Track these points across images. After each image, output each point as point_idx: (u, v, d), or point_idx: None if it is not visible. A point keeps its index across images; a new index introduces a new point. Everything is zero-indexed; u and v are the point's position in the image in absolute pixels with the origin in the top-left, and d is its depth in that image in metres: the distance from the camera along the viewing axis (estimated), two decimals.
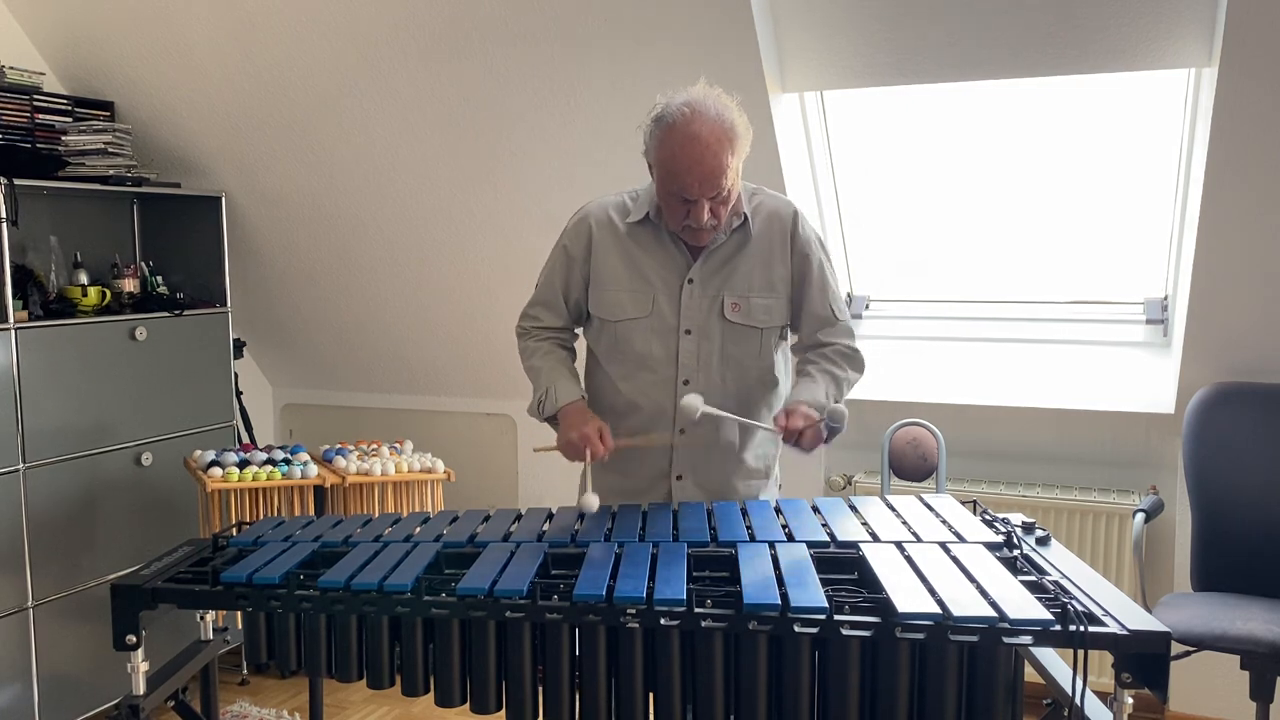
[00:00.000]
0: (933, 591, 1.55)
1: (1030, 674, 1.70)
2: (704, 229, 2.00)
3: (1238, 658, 2.45)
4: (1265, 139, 2.56)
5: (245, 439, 3.91)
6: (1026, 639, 1.47)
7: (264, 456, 3.18)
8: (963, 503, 2.05)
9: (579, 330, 2.26)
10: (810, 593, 1.57)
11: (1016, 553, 1.78)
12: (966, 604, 1.51)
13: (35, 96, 3.29)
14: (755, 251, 2.09)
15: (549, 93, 3.10)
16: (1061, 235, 3.29)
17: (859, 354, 2.17)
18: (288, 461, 3.16)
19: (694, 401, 1.95)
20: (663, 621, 1.57)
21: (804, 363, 2.17)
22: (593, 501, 1.95)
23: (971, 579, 1.62)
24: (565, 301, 2.18)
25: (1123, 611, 1.55)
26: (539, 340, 2.19)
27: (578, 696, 1.65)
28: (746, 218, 2.08)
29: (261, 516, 3.03)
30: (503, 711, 1.68)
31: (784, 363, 2.20)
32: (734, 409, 2.06)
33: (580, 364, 2.23)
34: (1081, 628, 1.47)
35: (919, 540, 1.82)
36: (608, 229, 2.12)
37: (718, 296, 2.08)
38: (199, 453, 3.22)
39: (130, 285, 3.36)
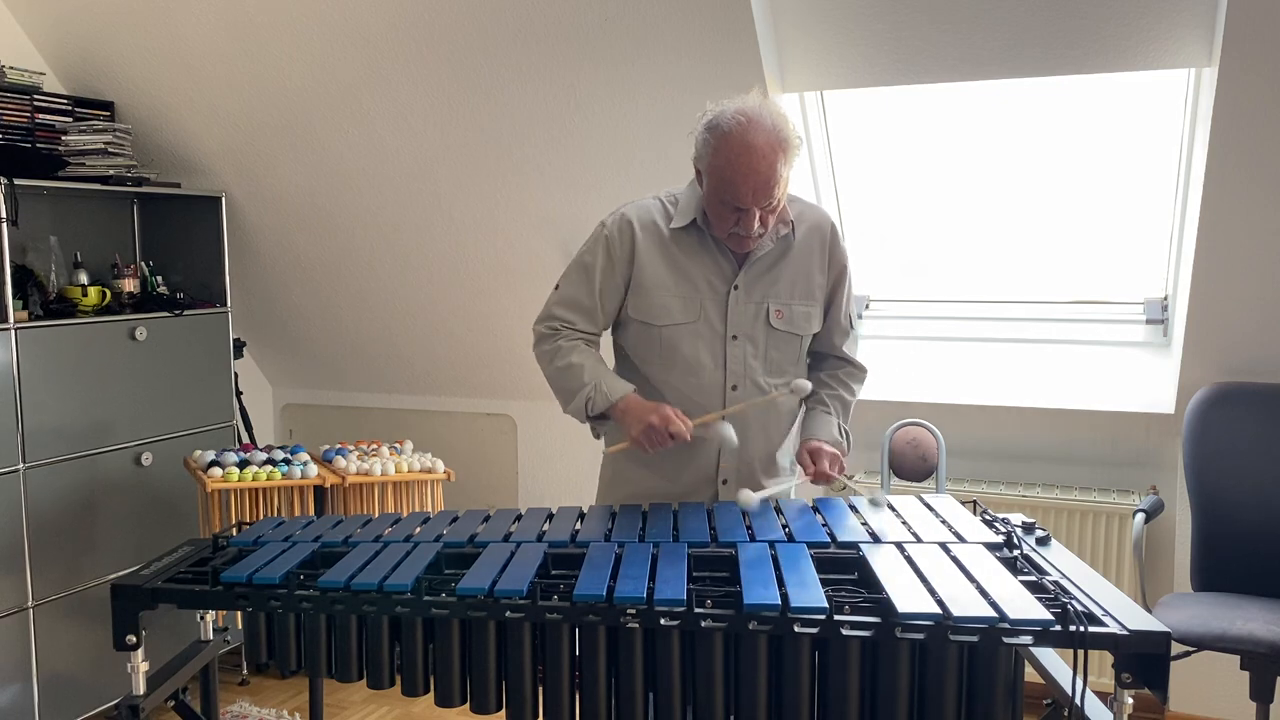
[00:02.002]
0: (933, 591, 1.55)
1: (1030, 674, 1.70)
2: (753, 237, 2.00)
3: (1238, 658, 2.45)
4: (1265, 139, 2.56)
5: (245, 439, 3.91)
6: (1026, 639, 1.47)
7: (264, 456, 3.18)
8: (963, 503, 2.05)
9: (617, 335, 2.22)
10: (810, 593, 1.57)
11: (1016, 553, 1.78)
12: (966, 604, 1.51)
13: (35, 96, 3.29)
14: (797, 260, 2.11)
15: (549, 93, 3.10)
16: (1061, 235, 3.29)
17: (864, 368, 2.25)
18: (288, 461, 3.16)
19: (749, 498, 1.97)
20: (663, 621, 1.57)
21: (818, 385, 2.19)
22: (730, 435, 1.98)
23: (971, 579, 1.62)
24: (601, 306, 2.12)
25: (1123, 611, 1.55)
26: (570, 340, 2.13)
27: (578, 696, 1.65)
28: (792, 226, 2.10)
29: (261, 516, 3.03)
30: (503, 711, 1.68)
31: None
32: (775, 413, 2.13)
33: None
34: (1081, 628, 1.47)
35: (919, 540, 1.82)
36: (652, 233, 2.10)
37: (763, 303, 2.09)
38: (199, 453, 3.22)
39: (130, 285, 3.36)
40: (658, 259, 2.09)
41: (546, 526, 1.98)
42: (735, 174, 1.92)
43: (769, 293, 2.09)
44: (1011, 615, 1.47)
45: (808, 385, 2.09)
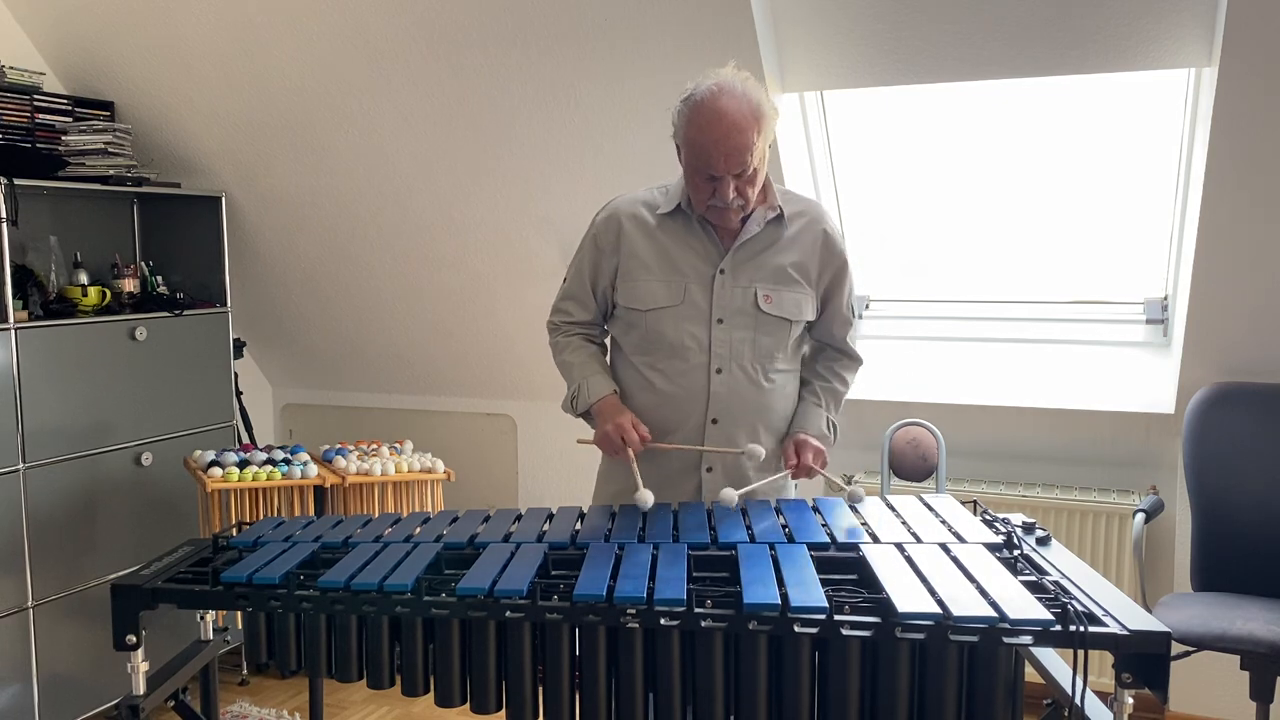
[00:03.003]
0: (933, 591, 1.55)
1: (1030, 674, 1.70)
2: (730, 208, 2.01)
3: (1238, 658, 2.45)
4: (1265, 139, 2.56)
5: (245, 439, 3.91)
6: (1026, 639, 1.47)
7: (264, 456, 3.18)
8: (963, 503, 2.05)
9: (608, 326, 2.27)
10: (810, 593, 1.57)
11: (1016, 553, 1.78)
12: (966, 604, 1.51)
13: (35, 96, 3.29)
14: (788, 246, 2.12)
15: (549, 93, 3.10)
16: (1061, 235, 3.29)
17: (861, 359, 2.27)
18: (288, 461, 3.16)
19: (730, 495, 1.96)
20: (663, 621, 1.57)
21: (812, 375, 2.22)
22: (647, 498, 1.96)
23: (971, 579, 1.61)
24: (594, 294, 2.19)
25: (1123, 611, 1.55)
26: (569, 335, 2.22)
27: (578, 696, 1.65)
28: (781, 212, 2.10)
29: (261, 516, 3.03)
30: (503, 711, 1.68)
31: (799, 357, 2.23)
32: (759, 400, 2.12)
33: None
34: (1081, 628, 1.47)
35: (919, 540, 1.82)
36: (637, 221, 2.13)
37: (750, 287, 2.09)
38: (199, 453, 3.22)
39: (130, 285, 3.36)
40: (644, 246, 2.12)
41: (546, 526, 1.98)
42: (707, 140, 1.94)
43: (757, 277, 2.10)
44: (1011, 615, 1.47)
45: (762, 452, 2.06)
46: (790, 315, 2.12)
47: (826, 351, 2.25)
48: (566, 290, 2.23)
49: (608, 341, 2.28)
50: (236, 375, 3.69)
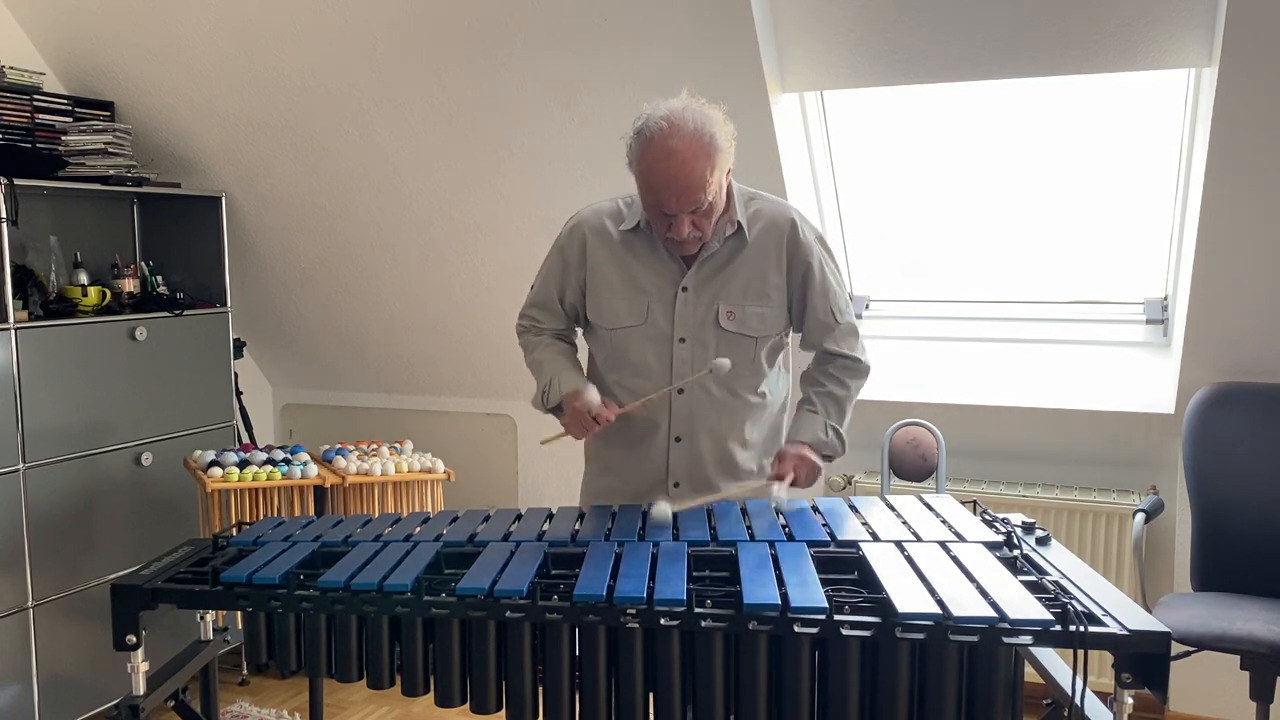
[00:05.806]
0: (933, 591, 1.55)
1: (1030, 674, 1.70)
2: (685, 241, 1.99)
3: (1238, 658, 2.45)
4: (1265, 139, 2.56)
5: (245, 439, 3.91)
6: (1026, 639, 1.47)
7: (264, 456, 3.18)
8: (963, 503, 2.05)
9: (579, 329, 2.26)
10: (810, 593, 1.57)
11: (1016, 553, 1.78)
12: (966, 604, 1.51)
13: (35, 96, 3.29)
14: (750, 259, 2.08)
15: (549, 93, 3.10)
16: (1061, 235, 3.29)
17: (862, 362, 2.18)
18: (288, 461, 3.16)
19: (664, 510, 1.94)
20: (663, 621, 1.57)
21: (809, 382, 2.18)
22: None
23: (971, 579, 1.62)
24: (561, 305, 2.19)
25: (1123, 611, 1.55)
26: (539, 335, 2.22)
27: (578, 696, 1.65)
28: (741, 226, 2.06)
29: (261, 516, 3.03)
30: (503, 711, 1.68)
31: (778, 370, 2.20)
32: (723, 417, 2.10)
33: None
34: (1081, 628, 1.47)
35: (919, 540, 1.82)
36: (601, 236, 2.11)
37: (712, 305, 2.07)
38: (199, 453, 3.22)
39: (130, 285, 3.36)
40: (607, 262, 2.11)
41: (546, 526, 1.98)
42: (657, 179, 1.91)
43: (720, 294, 2.07)
44: (1011, 615, 1.47)
45: (726, 364, 1.99)
46: (753, 331, 2.08)
47: (822, 357, 2.19)
48: (534, 298, 2.22)
49: (579, 342, 2.27)
50: (236, 375, 3.69)
